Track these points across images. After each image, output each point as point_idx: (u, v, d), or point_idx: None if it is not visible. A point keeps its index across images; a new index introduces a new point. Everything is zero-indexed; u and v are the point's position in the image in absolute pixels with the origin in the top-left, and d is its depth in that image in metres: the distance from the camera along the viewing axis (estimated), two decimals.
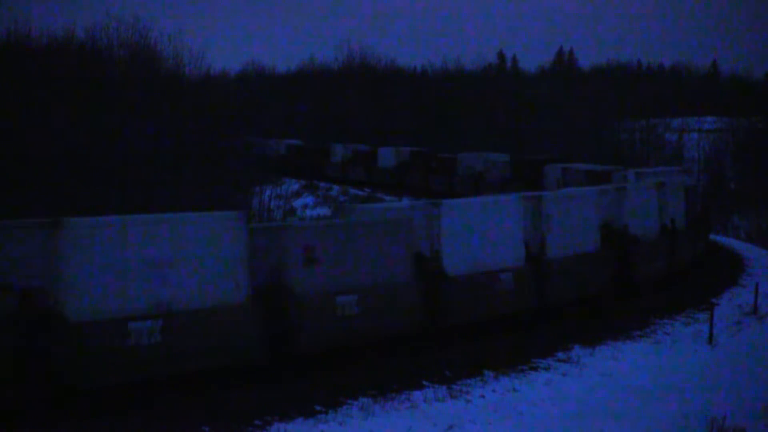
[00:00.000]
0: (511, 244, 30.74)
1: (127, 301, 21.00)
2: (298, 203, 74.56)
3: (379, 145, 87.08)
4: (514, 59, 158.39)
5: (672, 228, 42.27)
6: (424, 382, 24.03)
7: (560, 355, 27.90)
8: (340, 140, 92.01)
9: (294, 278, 24.17)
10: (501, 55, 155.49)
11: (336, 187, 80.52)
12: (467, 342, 28.48)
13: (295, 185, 78.25)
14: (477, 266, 29.27)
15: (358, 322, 25.51)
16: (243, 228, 23.60)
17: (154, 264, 21.50)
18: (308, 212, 71.98)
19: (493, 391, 23.81)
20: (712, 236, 57.48)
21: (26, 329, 19.58)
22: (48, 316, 19.87)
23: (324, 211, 71.60)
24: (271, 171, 66.68)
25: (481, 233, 29.61)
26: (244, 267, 23.21)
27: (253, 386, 22.83)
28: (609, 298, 35.64)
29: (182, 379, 22.02)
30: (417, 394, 22.97)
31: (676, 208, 43.78)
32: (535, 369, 26.24)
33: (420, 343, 27.38)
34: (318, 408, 21.34)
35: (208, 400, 21.54)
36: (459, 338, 28.60)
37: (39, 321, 19.75)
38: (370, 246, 26.28)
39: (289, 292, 24.03)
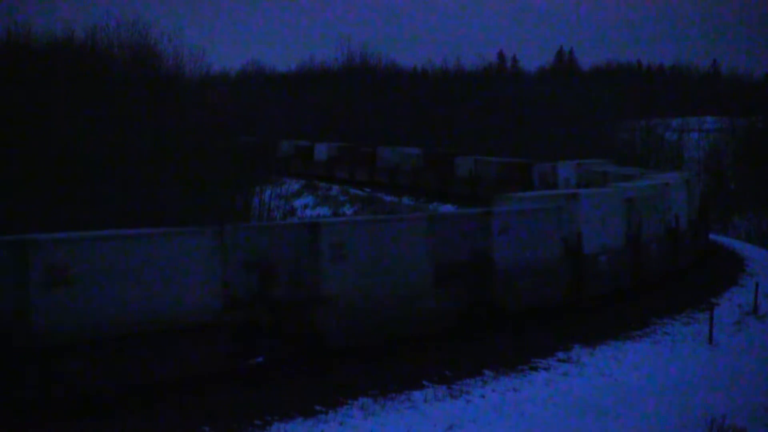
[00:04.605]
0: (617, 228, 36.95)
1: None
2: (298, 203, 74.61)
3: (379, 144, 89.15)
4: (514, 59, 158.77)
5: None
6: (425, 382, 24.02)
7: (560, 355, 27.88)
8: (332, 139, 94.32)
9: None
10: (501, 55, 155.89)
11: (335, 187, 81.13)
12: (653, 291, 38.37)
13: (295, 185, 78.31)
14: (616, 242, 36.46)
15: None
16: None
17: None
18: (308, 212, 71.95)
19: (494, 390, 23.81)
20: (712, 236, 57.43)
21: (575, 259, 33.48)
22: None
23: (324, 210, 71.58)
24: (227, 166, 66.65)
25: (603, 217, 35.65)
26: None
27: (261, 385, 22.84)
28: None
29: (182, 379, 22.06)
30: (417, 394, 22.97)
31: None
32: (535, 369, 26.23)
33: (623, 295, 36.47)
34: (318, 408, 21.34)
35: (208, 400, 21.50)
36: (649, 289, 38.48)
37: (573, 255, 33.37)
38: None
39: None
